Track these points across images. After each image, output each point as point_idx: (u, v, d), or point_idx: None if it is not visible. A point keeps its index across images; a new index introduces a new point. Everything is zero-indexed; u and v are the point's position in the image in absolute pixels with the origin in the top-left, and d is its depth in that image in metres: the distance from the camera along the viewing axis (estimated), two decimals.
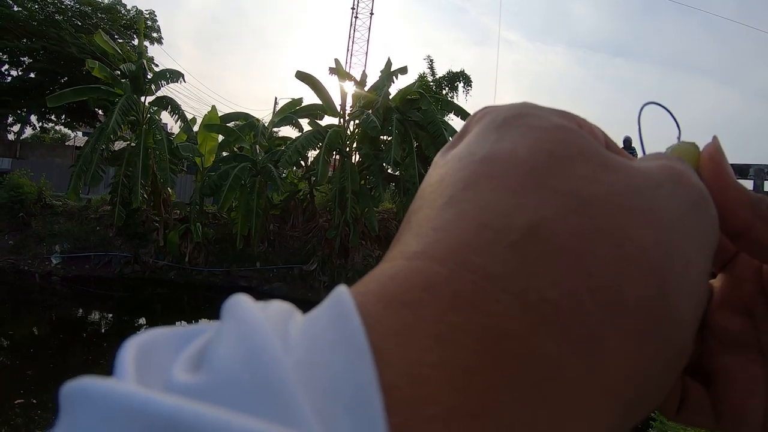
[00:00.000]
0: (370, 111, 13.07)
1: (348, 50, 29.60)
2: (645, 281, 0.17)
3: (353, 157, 14.40)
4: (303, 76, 13.99)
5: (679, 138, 0.30)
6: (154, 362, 0.15)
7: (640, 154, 0.28)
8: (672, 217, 0.19)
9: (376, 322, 0.15)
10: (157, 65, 23.68)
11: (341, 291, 0.16)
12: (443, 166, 0.21)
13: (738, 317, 0.26)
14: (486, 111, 0.24)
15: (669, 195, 0.20)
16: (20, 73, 24.85)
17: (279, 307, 0.16)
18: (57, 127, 32.98)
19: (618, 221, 0.18)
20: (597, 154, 0.20)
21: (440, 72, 22.89)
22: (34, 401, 7.22)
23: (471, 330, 0.15)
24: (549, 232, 0.17)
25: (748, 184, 11.37)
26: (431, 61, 22.51)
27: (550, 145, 0.20)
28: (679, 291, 0.18)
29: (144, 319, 12.21)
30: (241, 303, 0.15)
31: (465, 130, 0.24)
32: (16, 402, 7.02)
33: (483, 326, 0.15)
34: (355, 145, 14.42)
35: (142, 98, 14.10)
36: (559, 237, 0.17)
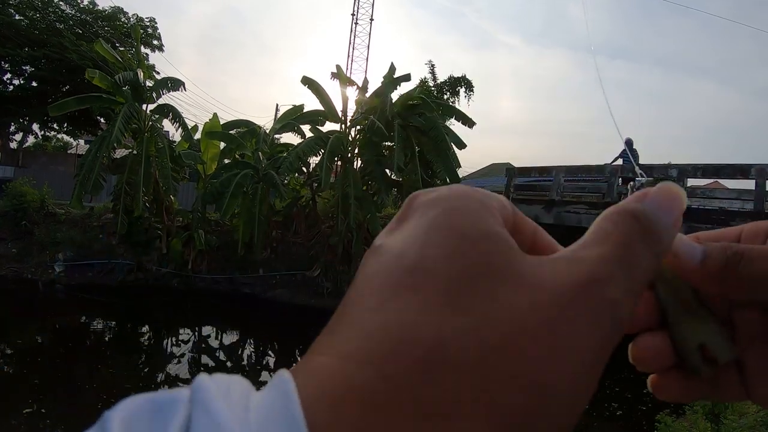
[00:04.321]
0: (372, 116, 13.08)
1: (349, 56, 29.66)
2: (529, 396, 0.20)
3: (355, 163, 14.41)
4: (307, 82, 14.03)
5: (640, 177, 0.33)
6: None
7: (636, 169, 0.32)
8: (565, 337, 0.21)
9: (312, 416, 0.18)
10: (158, 73, 23.77)
11: (287, 383, 0.19)
12: (378, 261, 0.24)
13: (760, 314, 0.30)
14: (419, 201, 0.26)
15: (569, 318, 0.22)
16: (22, 81, 24.92)
17: (239, 389, 0.20)
18: (59, 136, 33.07)
19: (513, 340, 0.21)
20: (508, 267, 0.23)
21: (441, 77, 22.92)
22: (43, 410, 7.21)
23: (379, 430, 0.18)
24: (448, 349, 0.20)
25: (750, 184, 11.32)
26: (432, 66, 22.55)
27: (465, 261, 0.22)
28: (556, 402, 0.21)
29: (147, 326, 12.20)
30: (209, 394, 0.18)
31: (403, 216, 0.27)
32: (24, 411, 7.01)
33: (388, 428, 0.19)
34: (356, 151, 14.43)
35: (144, 106, 14.14)
36: (455, 355, 0.20)
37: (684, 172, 12.31)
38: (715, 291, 0.30)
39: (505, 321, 0.21)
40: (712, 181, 18.58)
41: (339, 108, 14.51)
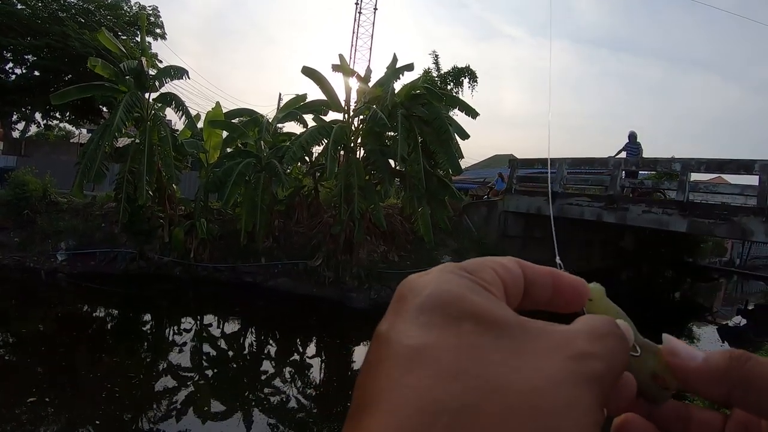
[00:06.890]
0: (374, 106, 13.02)
1: (352, 46, 29.50)
2: None
3: (358, 152, 14.37)
4: (308, 72, 13.96)
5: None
6: None
7: None
8: (568, 395, 0.24)
9: None
10: (161, 61, 23.68)
11: None
12: (387, 345, 0.27)
13: None
14: (409, 289, 0.29)
15: (561, 401, 0.24)
16: (24, 71, 24.85)
17: None
18: (61, 125, 33.05)
19: (519, 405, 0.24)
20: (508, 336, 0.26)
21: (445, 67, 22.73)
22: (46, 399, 7.23)
23: None
24: (470, 414, 0.23)
25: (754, 180, 11.25)
26: (436, 56, 22.33)
27: (470, 338, 0.26)
28: None
29: (150, 315, 12.24)
30: None
31: (397, 306, 0.29)
32: (28, 400, 7.04)
33: None
34: (359, 140, 14.38)
35: (146, 95, 14.09)
36: (476, 418, 0.23)
37: (687, 166, 12.22)
38: (717, 392, 0.30)
39: (513, 390, 0.24)
40: (715, 176, 18.56)
41: (342, 98, 14.45)
